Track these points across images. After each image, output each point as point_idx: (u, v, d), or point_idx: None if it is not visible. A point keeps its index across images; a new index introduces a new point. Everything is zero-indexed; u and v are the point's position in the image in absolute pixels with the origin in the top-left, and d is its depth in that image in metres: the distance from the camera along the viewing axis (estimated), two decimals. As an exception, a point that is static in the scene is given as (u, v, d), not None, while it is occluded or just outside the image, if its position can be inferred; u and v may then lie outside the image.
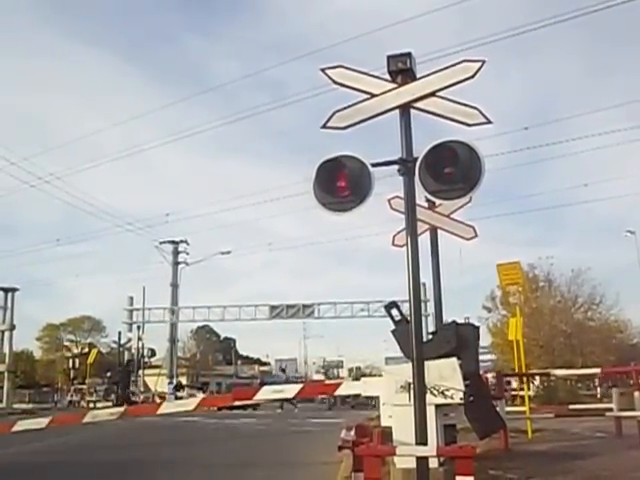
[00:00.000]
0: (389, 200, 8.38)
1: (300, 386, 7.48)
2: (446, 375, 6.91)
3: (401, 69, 5.97)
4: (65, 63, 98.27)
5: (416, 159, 5.56)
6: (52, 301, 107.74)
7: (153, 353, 47.94)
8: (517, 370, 15.50)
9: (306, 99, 43.37)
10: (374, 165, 5.83)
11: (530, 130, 31.54)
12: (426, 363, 6.32)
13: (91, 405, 36.22)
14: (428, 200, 8.76)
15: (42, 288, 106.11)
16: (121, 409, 7.69)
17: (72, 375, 44.31)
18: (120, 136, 58.78)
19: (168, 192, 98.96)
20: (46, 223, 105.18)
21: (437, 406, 6.81)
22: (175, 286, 49.97)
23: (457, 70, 5.70)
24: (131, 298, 46.52)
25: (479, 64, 5.58)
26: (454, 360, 7.00)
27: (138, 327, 42.77)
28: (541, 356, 37.53)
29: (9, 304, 38.70)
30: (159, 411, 7.52)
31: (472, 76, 5.58)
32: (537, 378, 28.96)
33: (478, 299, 46.14)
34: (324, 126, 6.25)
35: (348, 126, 6.18)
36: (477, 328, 8.27)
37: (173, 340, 49.00)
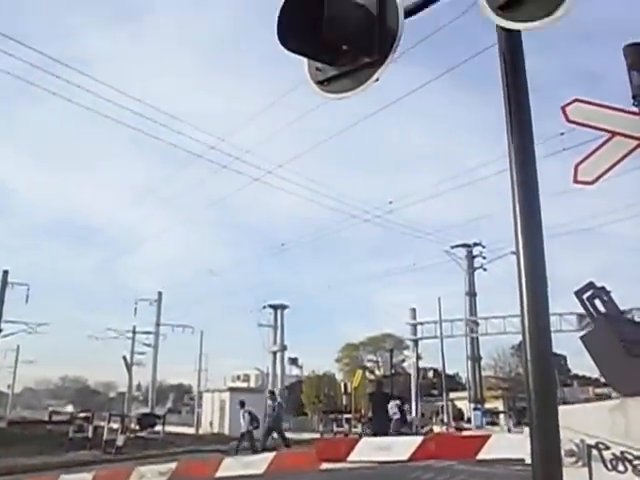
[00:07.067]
0: (563, 107, 5.22)
1: (418, 442, 4.75)
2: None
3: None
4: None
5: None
6: (360, 319, 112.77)
7: (427, 373, 46.01)
8: None
9: None
10: (409, 13, 3.33)
11: None
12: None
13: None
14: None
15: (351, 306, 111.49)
16: (172, 466, 5.81)
17: (345, 401, 44.10)
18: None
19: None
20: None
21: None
22: (472, 295, 47.89)
23: None
24: (413, 310, 45.64)
25: None
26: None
27: (416, 343, 41.53)
28: None
29: (279, 322, 40.32)
30: (218, 474, 5.49)
31: None
32: None
33: None
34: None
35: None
36: None
37: (475, 357, 46.80)
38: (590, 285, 4.91)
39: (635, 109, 5.30)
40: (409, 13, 3.34)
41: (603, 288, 4.93)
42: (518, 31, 2.81)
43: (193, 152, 29.05)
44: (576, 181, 5.12)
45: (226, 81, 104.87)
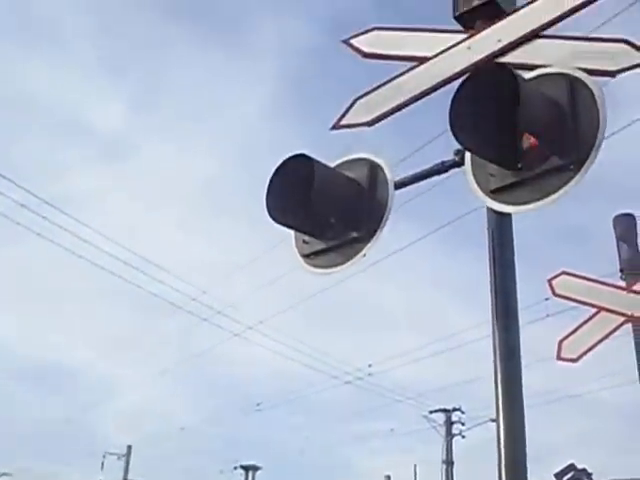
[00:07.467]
0: (550, 281, 5.34)
1: None
2: None
3: (477, 5, 3.54)
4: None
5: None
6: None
7: None
8: None
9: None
10: (399, 186, 3.35)
11: None
12: None
13: None
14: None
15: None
16: None
17: None
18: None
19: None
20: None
21: None
22: (449, 463, 46.37)
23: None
24: (387, 477, 44.08)
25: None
26: None
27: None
28: None
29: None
30: None
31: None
32: None
33: None
34: (336, 126, 3.78)
35: (378, 118, 3.66)
36: None
37: (452, 533, 44.71)
38: (571, 467, 4.84)
39: (622, 284, 5.40)
40: (399, 186, 3.38)
41: (584, 470, 4.85)
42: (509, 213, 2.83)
43: (174, 303, 28.83)
44: (560, 358, 5.11)
45: (212, 231, 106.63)
